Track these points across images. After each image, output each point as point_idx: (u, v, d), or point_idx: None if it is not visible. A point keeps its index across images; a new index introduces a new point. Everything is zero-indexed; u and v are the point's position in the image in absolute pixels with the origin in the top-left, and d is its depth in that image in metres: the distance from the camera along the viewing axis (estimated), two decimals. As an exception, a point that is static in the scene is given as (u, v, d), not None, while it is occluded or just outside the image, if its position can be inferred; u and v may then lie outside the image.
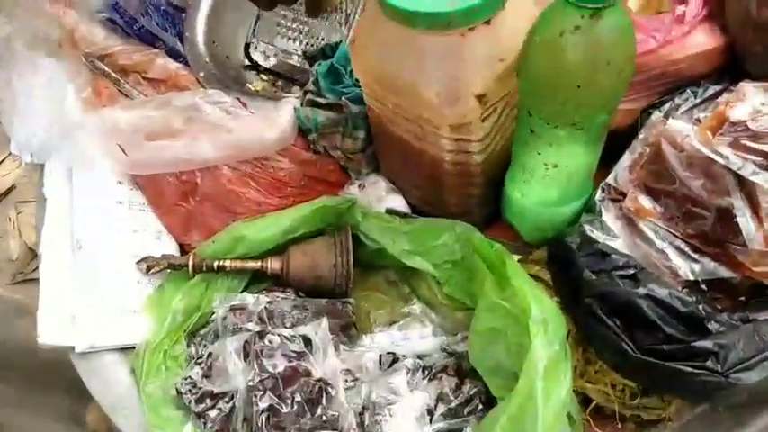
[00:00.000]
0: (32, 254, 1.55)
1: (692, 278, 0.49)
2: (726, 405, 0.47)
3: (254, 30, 0.72)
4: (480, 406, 0.49)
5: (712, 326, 0.44)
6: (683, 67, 0.55)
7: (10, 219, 1.62)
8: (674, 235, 0.51)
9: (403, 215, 0.60)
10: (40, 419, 0.98)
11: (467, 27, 0.43)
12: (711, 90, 0.54)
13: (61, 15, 0.63)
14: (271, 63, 0.72)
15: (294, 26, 0.71)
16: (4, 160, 1.71)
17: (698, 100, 0.55)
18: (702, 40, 0.54)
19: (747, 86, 0.51)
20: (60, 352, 0.53)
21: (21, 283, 1.46)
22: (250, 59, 0.73)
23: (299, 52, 0.69)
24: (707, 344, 0.41)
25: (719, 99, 0.54)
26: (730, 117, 0.50)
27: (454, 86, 0.45)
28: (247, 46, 0.73)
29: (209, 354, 0.49)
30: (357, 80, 0.54)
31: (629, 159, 0.53)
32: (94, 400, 0.53)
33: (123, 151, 0.53)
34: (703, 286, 0.50)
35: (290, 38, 0.71)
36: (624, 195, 0.53)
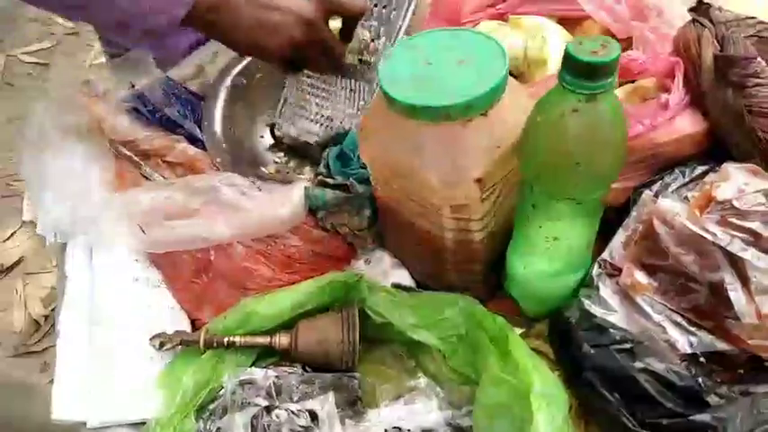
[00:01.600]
0: (36, 326, 1.55)
1: (689, 351, 0.50)
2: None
3: (280, 112, 0.79)
4: (486, 483, 0.49)
5: (711, 399, 0.45)
6: (670, 149, 0.58)
7: (16, 291, 1.64)
8: (670, 309, 0.52)
9: (408, 289, 0.62)
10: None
11: (466, 118, 0.47)
12: (699, 170, 0.57)
13: (90, 105, 0.68)
14: (290, 140, 0.77)
15: (316, 110, 0.77)
16: (14, 233, 1.75)
17: (686, 179, 0.58)
18: (686, 125, 0.58)
19: (731, 167, 0.54)
20: (71, 429, 0.54)
21: (22, 356, 1.46)
22: (274, 137, 0.79)
23: (319, 134, 0.75)
24: (705, 418, 0.42)
25: (706, 179, 0.56)
26: (717, 196, 0.52)
27: (454, 172, 0.48)
28: (273, 126, 0.79)
29: (218, 429, 0.50)
30: (364, 163, 0.58)
31: (623, 236, 0.56)
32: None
33: (142, 230, 0.56)
34: (702, 359, 0.50)
35: (311, 120, 0.77)
36: (620, 270, 0.54)
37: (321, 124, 0.75)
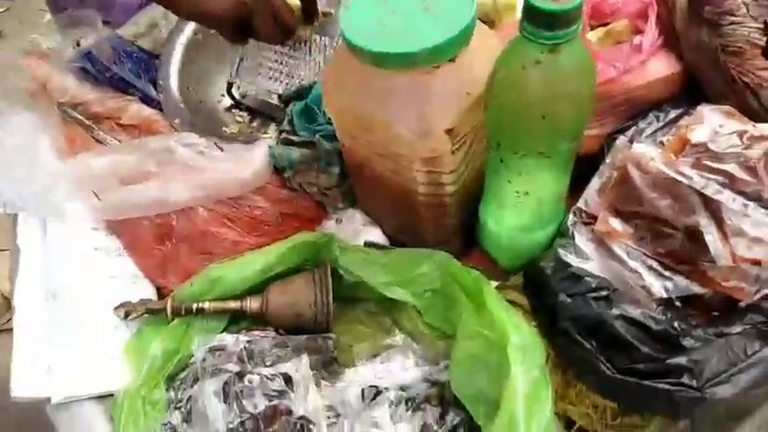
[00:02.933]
0: (7, 303, 1.52)
1: (665, 296, 0.50)
2: (706, 420, 0.48)
3: (237, 69, 0.74)
4: (465, 435, 0.49)
5: (687, 342, 0.45)
6: (643, 93, 0.57)
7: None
8: (645, 255, 0.52)
9: (381, 247, 0.61)
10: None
11: (432, 65, 0.44)
12: (673, 113, 0.56)
13: (34, 67, 0.64)
14: (251, 101, 0.73)
15: (276, 67, 0.73)
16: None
17: (660, 123, 0.57)
18: (660, 68, 0.57)
19: (705, 109, 0.53)
20: (34, 406, 0.52)
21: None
22: (232, 97, 0.75)
23: (280, 91, 0.71)
24: (681, 360, 0.42)
25: (681, 122, 0.56)
26: (691, 139, 0.52)
27: (424, 122, 0.46)
28: (230, 85, 0.74)
29: (189, 397, 0.49)
30: (330, 119, 0.55)
31: (598, 183, 0.55)
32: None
33: (97, 196, 0.53)
34: (677, 303, 0.50)
35: (270, 77, 0.73)
36: (595, 218, 0.54)
37: (281, 81, 0.71)
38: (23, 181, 0.56)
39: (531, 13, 0.36)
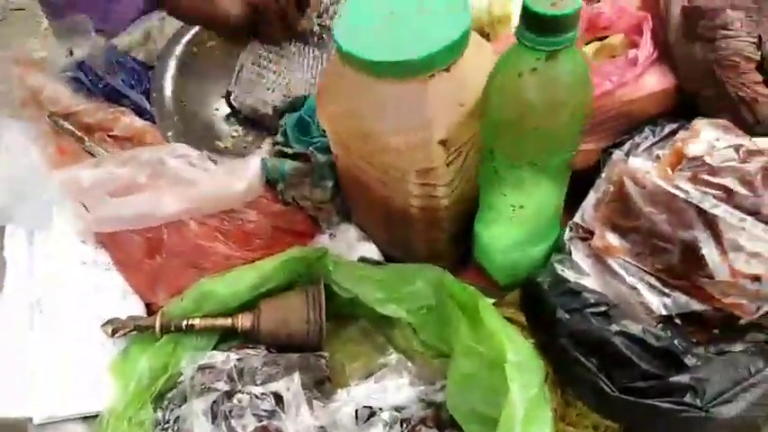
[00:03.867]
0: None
1: (664, 313, 0.49)
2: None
3: (236, 80, 0.73)
4: (461, 457, 0.47)
5: (689, 360, 0.44)
6: (638, 107, 0.56)
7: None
8: (643, 270, 0.51)
9: (375, 262, 0.60)
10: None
11: (427, 74, 0.44)
12: (668, 128, 0.56)
13: (26, 76, 0.63)
14: (248, 112, 0.73)
15: (274, 78, 0.72)
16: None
17: (656, 138, 0.56)
18: (655, 82, 0.57)
19: (701, 123, 0.53)
20: (15, 426, 0.50)
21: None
22: (231, 106, 0.74)
23: (278, 103, 0.70)
24: (684, 378, 0.40)
25: (677, 136, 0.55)
26: (688, 153, 0.51)
27: (418, 132, 0.45)
28: (229, 94, 0.74)
29: (177, 418, 0.47)
30: (324, 131, 0.55)
31: (594, 198, 0.54)
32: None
33: (86, 208, 0.52)
34: (677, 320, 0.49)
35: (269, 88, 0.72)
36: (592, 233, 0.53)
37: (279, 92, 0.71)
38: (11, 191, 0.54)
39: (529, 19, 0.36)
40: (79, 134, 0.63)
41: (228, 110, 0.75)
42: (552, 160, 0.43)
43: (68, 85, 0.66)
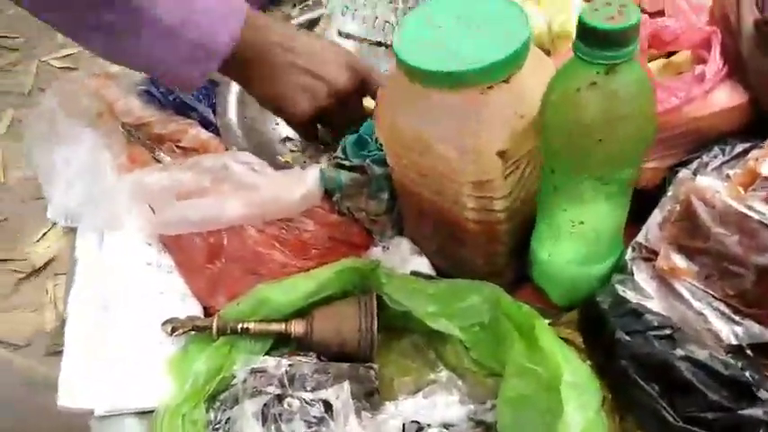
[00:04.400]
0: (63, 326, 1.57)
1: (734, 342, 0.46)
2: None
3: None
4: (511, 480, 0.45)
5: (761, 394, 0.41)
6: (707, 124, 0.54)
7: (47, 291, 1.66)
8: (712, 296, 0.48)
9: (428, 277, 0.59)
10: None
11: (485, 85, 0.44)
12: (740, 147, 0.54)
13: (102, 89, 0.67)
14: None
15: None
16: (45, 234, 1.78)
17: (726, 157, 0.54)
18: (725, 98, 0.54)
19: (777, 141, 0.50)
20: (78, 419, 0.52)
21: (53, 355, 1.48)
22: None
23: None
24: (756, 413, 0.38)
25: (749, 155, 0.53)
26: (762, 172, 0.49)
27: (474, 143, 0.45)
28: None
29: (228, 419, 0.48)
30: (381, 144, 0.56)
31: (660, 217, 0.52)
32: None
33: (153, 210, 0.55)
34: (748, 351, 0.47)
35: None
36: (656, 254, 0.51)
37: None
38: (85, 195, 0.58)
39: (586, 33, 0.36)
40: (149, 143, 0.67)
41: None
42: (616, 175, 0.42)
43: (141, 97, 0.70)
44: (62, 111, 0.63)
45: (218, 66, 0.54)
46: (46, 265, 1.75)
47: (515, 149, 0.46)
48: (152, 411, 0.51)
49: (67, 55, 2.32)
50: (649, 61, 0.62)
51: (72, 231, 0.64)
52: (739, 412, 0.38)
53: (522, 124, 0.45)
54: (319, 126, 0.65)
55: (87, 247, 0.59)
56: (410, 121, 0.48)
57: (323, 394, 0.48)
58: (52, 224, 1.79)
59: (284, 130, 0.77)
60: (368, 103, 0.63)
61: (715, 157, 0.54)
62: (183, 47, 0.52)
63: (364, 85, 0.60)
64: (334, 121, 0.61)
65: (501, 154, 0.45)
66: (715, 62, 0.55)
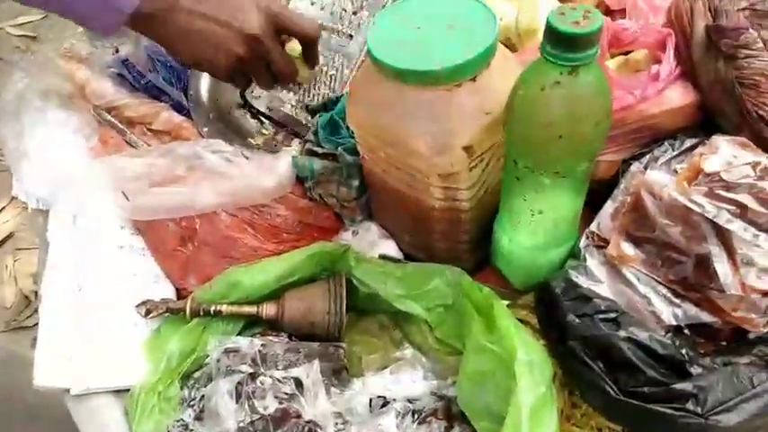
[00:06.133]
0: (27, 301, 1.55)
1: (674, 323, 0.50)
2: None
3: None
4: (470, 450, 0.49)
5: (693, 369, 0.45)
6: (659, 121, 0.57)
7: (6, 266, 1.63)
8: (656, 281, 0.52)
9: (395, 260, 0.62)
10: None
11: (454, 83, 0.46)
12: (688, 143, 0.57)
13: (74, 71, 0.67)
14: (275, 115, 0.75)
15: None
16: (4, 208, 1.74)
17: (675, 152, 0.57)
18: (676, 97, 0.57)
19: (719, 139, 0.54)
20: (48, 397, 0.53)
21: (13, 331, 1.46)
22: (244, 100, 0.76)
23: (293, 102, 0.73)
24: (687, 386, 0.42)
25: (695, 151, 0.56)
26: (705, 168, 0.52)
27: (443, 138, 0.47)
28: (243, 88, 0.74)
29: (202, 396, 0.50)
30: (353, 132, 0.57)
31: (612, 208, 0.55)
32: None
33: (126, 197, 0.55)
34: (686, 331, 0.51)
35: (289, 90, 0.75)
36: (607, 242, 0.54)
37: (294, 93, 0.73)
38: (57, 177, 0.58)
39: (553, 36, 0.38)
40: (121, 126, 0.67)
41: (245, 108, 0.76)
42: (574, 168, 0.45)
43: (112, 80, 0.69)
44: (33, 91, 0.62)
45: (126, 21, 0.53)
46: (5, 240, 1.71)
47: (480, 144, 0.48)
48: (127, 390, 0.53)
49: (26, 23, 2.24)
50: (609, 59, 0.65)
51: (36, 210, 0.64)
52: (672, 386, 0.42)
53: (487, 120, 0.47)
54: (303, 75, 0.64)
55: (60, 230, 0.60)
56: (380, 115, 0.50)
57: (294, 372, 0.50)
58: (11, 198, 1.74)
59: (249, 99, 0.77)
60: (294, 45, 0.62)
61: (665, 152, 0.58)
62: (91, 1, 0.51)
63: (282, 28, 0.59)
64: (256, 70, 0.60)
65: (467, 149, 0.47)
66: (669, 63, 0.57)
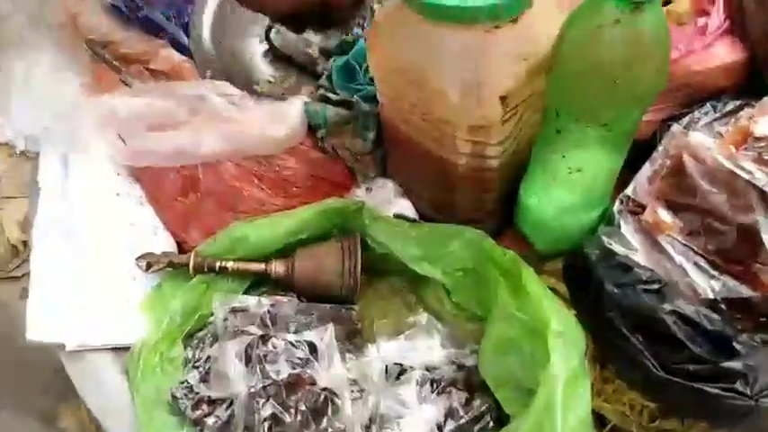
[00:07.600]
0: (15, 251, 1.51)
1: (711, 296, 0.48)
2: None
3: None
4: (491, 423, 0.47)
5: (740, 347, 0.42)
6: (704, 78, 0.54)
7: (-8, 215, 1.58)
8: (693, 251, 0.49)
9: (411, 220, 0.58)
10: (12, 420, 0.95)
11: (493, 24, 0.41)
12: (731, 105, 0.54)
13: (65, -1, 0.61)
14: (289, 50, 0.69)
15: None
16: (-11, 152, 1.68)
17: (718, 114, 0.54)
18: (723, 53, 0.54)
19: (772, 101, 0.50)
20: (41, 350, 0.50)
21: (1, 281, 1.42)
22: (269, 42, 0.70)
23: (319, 43, 0.67)
24: (736, 365, 0.39)
25: (742, 113, 0.53)
26: (754, 132, 0.49)
27: (477, 86, 0.43)
28: (269, 29, 0.70)
29: (208, 357, 0.47)
30: (371, 79, 0.53)
31: (650, 171, 0.52)
32: (70, 402, 0.50)
33: (122, 140, 0.51)
34: (722, 305, 0.48)
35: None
36: (643, 208, 0.51)
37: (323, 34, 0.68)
38: (47, 116, 0.53)
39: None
40: (116, 64, 0.61)
41: (268, 50, 0.71)
42: (624, 120, 0.42)
43: (108, 12, 0.64)
44: (20, 18, 0.56)
45: None
46: (-11, 187, 1.66)
47: (516, 95, 0.44)
48: (126, 348, 0.50)
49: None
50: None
51: (23, 154, 0.59)
52: (720, 364, 0.40)
53: (524, 67, 0.43)
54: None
55: (51, 173, 0.55)
56: (408, 56, 0.45)
57: (307, 336, 0.47)
58: (-3, 143, 1.68)
59: (261, 59, 0.72)
60: None
61: (706, 113, 0.54)
62: None
63: None
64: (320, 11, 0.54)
65: (502, 98, 0.43)
66: (718, 15, 0.54)
